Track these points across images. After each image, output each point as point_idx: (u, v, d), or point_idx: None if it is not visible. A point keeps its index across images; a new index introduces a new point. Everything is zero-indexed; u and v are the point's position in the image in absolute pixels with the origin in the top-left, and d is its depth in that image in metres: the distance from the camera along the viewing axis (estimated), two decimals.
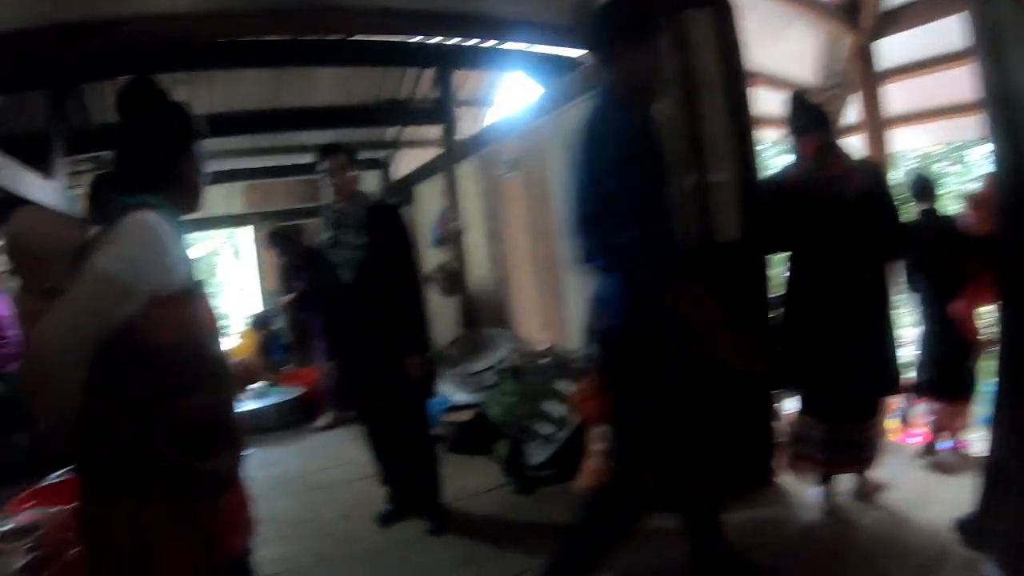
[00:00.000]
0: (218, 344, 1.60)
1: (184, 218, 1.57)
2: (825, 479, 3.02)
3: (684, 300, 2.04)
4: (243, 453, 1.59)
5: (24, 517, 2.91)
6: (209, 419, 1.48)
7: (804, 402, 3.06)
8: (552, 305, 4.76)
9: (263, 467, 4.50)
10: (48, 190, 4.67)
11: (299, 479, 4.42)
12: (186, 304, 1.45)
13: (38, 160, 4.84)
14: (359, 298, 3.19)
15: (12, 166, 4.18)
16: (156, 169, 1.52)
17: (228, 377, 1.61)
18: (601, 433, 3.15)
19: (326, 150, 3.43)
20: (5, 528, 2.77)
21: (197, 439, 1.44)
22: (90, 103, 5.85)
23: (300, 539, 3.36)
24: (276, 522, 3.46)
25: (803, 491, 3.11)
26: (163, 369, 1.40)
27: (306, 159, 8.05)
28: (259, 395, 6.05)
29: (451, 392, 5.14)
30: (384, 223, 3.34)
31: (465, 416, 4.55)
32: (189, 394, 1.43)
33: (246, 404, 5.72)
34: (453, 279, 6.09)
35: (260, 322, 7.54)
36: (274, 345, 7.15)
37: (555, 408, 3.75)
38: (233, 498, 1.56)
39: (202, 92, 5.59)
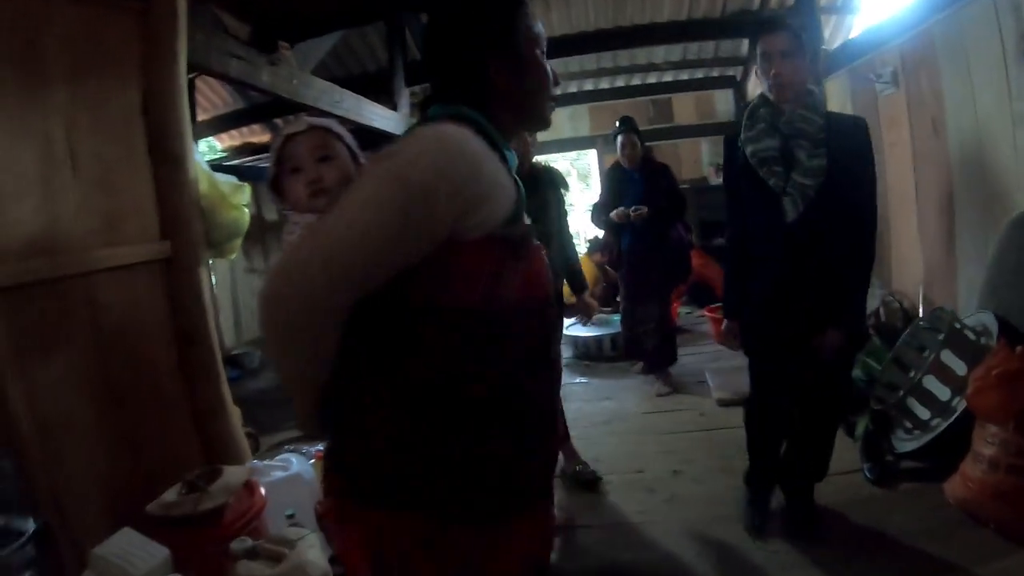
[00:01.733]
0: (545, 313, 1.18)
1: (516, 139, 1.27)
2: None
3: None
4: (552, 462, 1.27)
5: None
6: (520, 414, 1.12)
7: None
8: (939, 255, 3.90)
9: (595, 399, 4.48)
10: (392, 120, 5.15)
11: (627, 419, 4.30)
12: (499, 255, 1.07)
13: (381, 92, 5.38)
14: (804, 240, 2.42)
15: (356, 99, 4.67)
16: (458, 74, 1.19)
17: (553, 360, 1.22)
18: (996, 436, 2.52)
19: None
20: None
21: (500, 439, 1.10)
22: None
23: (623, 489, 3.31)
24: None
25: None
26: (458, 343, 1.06)
27: (652, 79, 7.89)
28: (600, 323, 5.62)
29: None
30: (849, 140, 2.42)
31: None
32: (490, 380, 1.08)
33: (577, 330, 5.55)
34: None
35: (600, 247, 7.46)
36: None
37: (937, 387, 3.09)
38: (529, 520, 1.20)
39: (539, 14, 5.66)
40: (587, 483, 3.33)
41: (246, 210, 2.75)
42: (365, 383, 1.09)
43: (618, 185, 4.78)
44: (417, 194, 0.99)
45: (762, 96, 2.52)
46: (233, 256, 2.88)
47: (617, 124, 4.78)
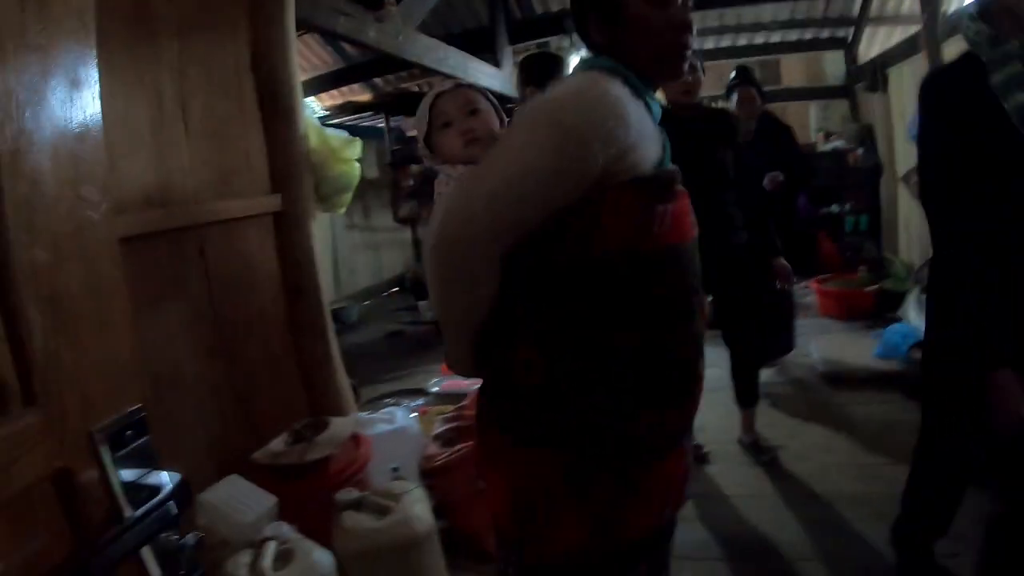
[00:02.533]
0: (687, 263, 1.17)
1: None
2: None
3: None
4: (694, 410, 1.23)
5: (451, 384, 3.21)
6: (661, 363, 1.12)
7: None
8: None
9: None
10: (497, 78, 5.07)
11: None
12: (651, 198, 1.08)
13: (485, 51, 5.29)
14: None
15: (462, 57, 4.60)
16: (591, 21, 1.21)
17: (695, 309, 1.19)
18: None
19: None
20: (431, 392, 3.08)
21: (641, 388, 1.11)
22: None
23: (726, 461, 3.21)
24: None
25: None
26: (606, 289, 1.08)
27: (760, 38, 7.46)
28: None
29: (920, 322, 4.31)
30: None
31: None
32: (639, 328, 1.10)
33: None
34: None
35: None
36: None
37: None
38: (669, 466, 1.20)
39: None
40: (696, 457, 3.24)
41: (356, 164, 2.74)
42: (521, 329, 1.13)
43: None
44: (572, 136, 1.02)
45: None
46: (342, 210, 2.90)
47: (732, 75, 4.20)
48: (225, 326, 2.19)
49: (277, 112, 2.43)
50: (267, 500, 1.78)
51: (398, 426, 2.49)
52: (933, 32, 4.80)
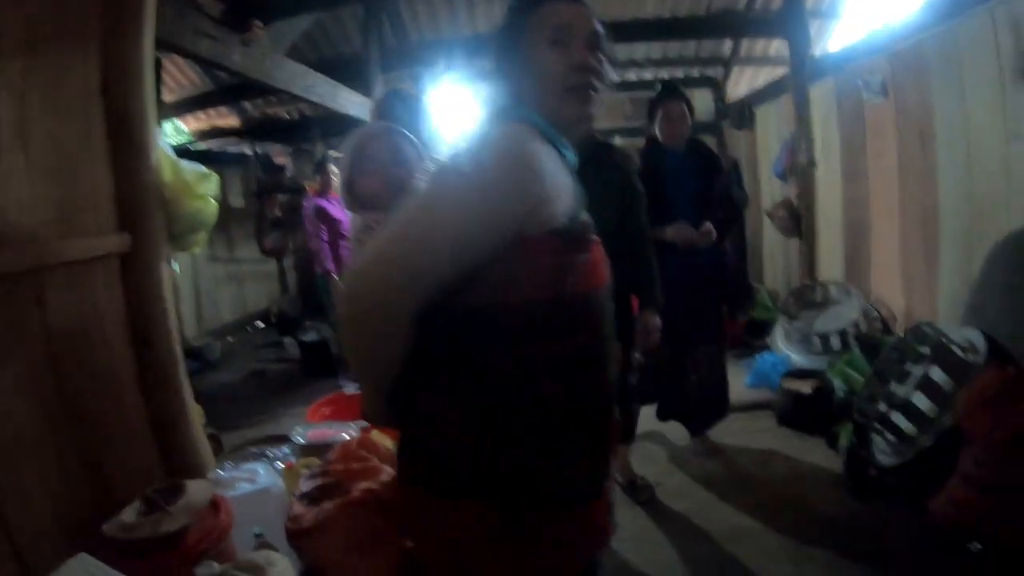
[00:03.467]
0: (602, 310, 1.18)
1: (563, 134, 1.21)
2: None
3: None
4: (612, 454, 1.27)
5: (317, 434, 3.03)
6: (579, 410, 1.14)
7: None
8: (921, 267, 3.88)
9: None
10: (366, 107, 4.99)
11: None
12: (563, 250, 1.09)
13: (355, 78, 5.22)
14: None
15: (331, 85, 4.49)
16: (503, 63, 1.22)
17: (609, 355, 1.20)
18: (985, 457, 2.47)
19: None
20: (297, 442, 2.90)
21: (561, 435, 1.12)
22: (405, 19, 6.08)
23: None
24: None
25: None
26: (522, 339, 1.08)
27: (632, 75, 7.81)
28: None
29: (788, 351, 4.59)
30: None
31: (805, 387, 3.96)
32: (557, 376, 1.10)
33: None
34: (796, 218, 5.36)
35: None
36: None
37: (922, 402, 3.04)
38: (594, 509, 1.20)
39: None
40: None
41: (212, 200, 2.58)
42: (438, 381, 1.13)
43: (656, 176, 3.27)
44: (489, 195, 1.03)
45: None
46: (197, 250, 2.71)
47: (659, 88, 3.51)
48: (68, 383, 1.95)
49: (128, 142, 2.24)
50: None
51: (261, 486, 2.32)
52: (799, 75, 5.16)
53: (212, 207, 2.58)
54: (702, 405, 3.58)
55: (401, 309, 1.04)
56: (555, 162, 1.13)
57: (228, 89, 6.47)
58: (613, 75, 1.23)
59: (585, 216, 1.18)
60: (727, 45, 7.10)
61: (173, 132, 6.93)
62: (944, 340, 3.10)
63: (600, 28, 1.20)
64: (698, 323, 3.42)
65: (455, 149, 1.13)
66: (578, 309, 1.12)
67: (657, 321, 2.88)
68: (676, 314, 3.06)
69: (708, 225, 3.25)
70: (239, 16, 3.73)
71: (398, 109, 2.61)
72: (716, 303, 3.59)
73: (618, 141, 3.25)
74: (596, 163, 2.83)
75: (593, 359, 1.15)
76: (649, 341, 2.90)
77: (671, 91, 3.43)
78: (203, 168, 2.57)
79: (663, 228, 3.18)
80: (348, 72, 5.32)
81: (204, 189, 2.53)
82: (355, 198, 1.32)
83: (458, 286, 1.05)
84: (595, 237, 1.18)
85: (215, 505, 2.00)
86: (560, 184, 1.12)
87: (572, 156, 1.22)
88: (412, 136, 1.36)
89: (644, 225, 2.91)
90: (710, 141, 7.95)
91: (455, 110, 5.37)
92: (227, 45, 3.25)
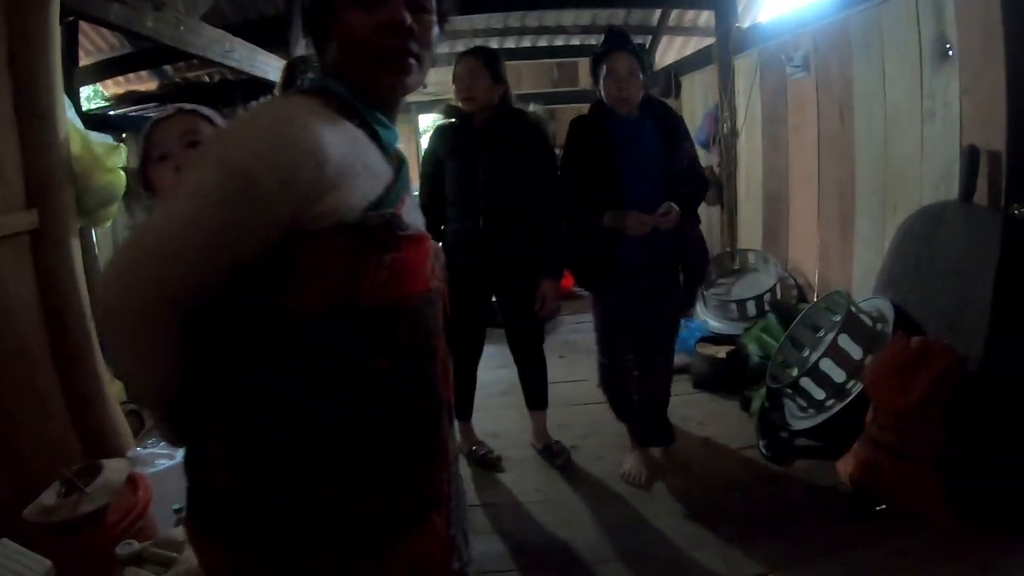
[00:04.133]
0: (416, 322, 1.00)
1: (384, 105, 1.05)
2: None
3: None
4: (438, 477, 1.08)
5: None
6: (386, 435, 0.98)
7: None
8: (836, 238, 4.05)
9: (492, 367, 3.84)
10: None
11: None
12: (361, 247, 0.91)
13: (277, 40, 5.04)
14: None
15: (249, 49, 4.33)
16: (310, 26, 1.05)
17: (434, 372, 1.05)
18: (890, 423, 2.63)
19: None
20: None
21: (362, 463, 0.96)
22: None
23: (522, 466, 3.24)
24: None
25: None
26: (307, 354, 0.92)
27: (560, 41, 7.77)
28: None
29: (706, 317, 4.74)
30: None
31: (721, 352, 4.11)
32: (358, 399, 0.95)
33: None
34: (718, 187, 5.50)
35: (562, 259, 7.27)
36: None
37: (832, 369, 3.21)
38: (417, 541, 1.04)
39: None
40: (486, 463, 3.25)
41: (122, 173, 2.50)
42: (218, 406, 0.96)
43: (602, 148, 2.81)
44: (244, 181, 0.85)
45: None
46: (108, 223, 2.63)
47: (604, 39, 2.97)
48: None
49: (35, 114, 2.12)
50: (41, 565, 1.58)
51: (177, 460, 2.26)
52: (725, 46, 5.23)
53: (122, 179, 2.50)
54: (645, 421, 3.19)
55: (160, 317, 0.88)
56: (352, 143, 0.95)
57: (147, 53, 6.09)
58: (440, 36, 1.08)
59: (404, 204, 1.00)
60: (656, 14, 7.11)
61: (92, 96, 6.51)
62: (855, 309, 3.26)
63: None
64: (655, 322, 3.04)
65: (218, 129, 0.97)
66: (376, 321, 0.94)
67: (555, 291, 2.98)
68: (633, 309, 2.96)
69: (669, 205, 2.72)
70: None
71: (298, 74, 2.52)
72: (675, 301, 3.09)
73: (532, 107, 2.96)
74: (506, 131, 2.91)
75: (408, 377, 1.00)
76: (546, 311, 2.99)
77: (617, 41, 2.85)
78: (111, 140, 2.49)
79: (614, 213, 2.75)
80: (271, 35, 5.09)
81: (114, 161, 2.44)
82: (149, 188, 1.23)
83: (234, 288, 0.90)
84: (413, 231, 0.99)
85: (133, 483, 1.97)
86: (356, 169, 0.93)
87: (390, 133, 1.04)
88: (213, 115, 1.26)
89: (554, 193, 2.93)
90: None
91: None
92: (139, 10, 3.10)
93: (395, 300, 0.95)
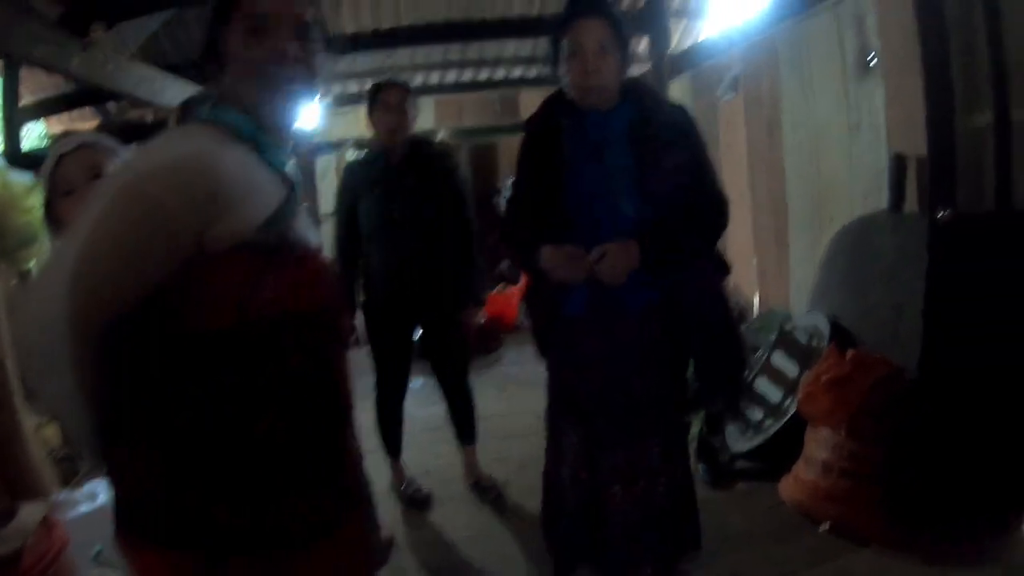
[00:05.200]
0: (321, 329, 1.08)
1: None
2: None
3: None
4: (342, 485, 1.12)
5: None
6: (287, 444, 1.03)
7: None
8: (772, 255, 4.02)
9: (425, 403, 3.73)
10: None
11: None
12: (255, 259, 0.98)
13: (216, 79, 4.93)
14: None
15: (181, 86, 4.30)
16: (206, 56, 1.10)
17: (333, 381, 1.11)
18: (827, 440, 2.53)
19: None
20: None
21: (261, 473, 1.01)
22: None
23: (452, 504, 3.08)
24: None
25: None
26: (211, 370, 0.98)
27: (501, 73, 7.77)
28: None
29: None
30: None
31: None
32: (259, 409, 1.00)
33: None
34: None
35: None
36: None
37: (768, 389, 3.12)
38: (325, 552, 1.08)
39: (388, 3, 5.38)
40: (415, 501, 3.07)
41: (40, 213, 2.34)
42: (132, 420, 1.01)
43: (554, 153, 1.96)
44: (148, 206, 0.93)
45: None
46: (29, 265, 2.50)
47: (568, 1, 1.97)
48: None
49: None
50: None
51: (100, 503, 2.22)
52: (659, 71, 5.25)
53: (40, 219, 2.36)
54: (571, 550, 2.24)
55: (77, 337, 0.92)
56: (244, 165, 1.02)
57: (89, 91, 5.94)
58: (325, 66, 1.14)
59: (297, 223, 1.08)
60: None
61: (38, 136, 6.31)
62: (788, 327, 3.19)
63: (309, 17, 1.09)
64: (612, 405, 1.97)
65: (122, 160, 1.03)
66: (273, 335, 1.00)
67: (475, 316, 3.02)
68: (582, 379, 2.04)
69: (607, 247, 1.74)
70: (79, 19, 3.44)
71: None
72: (660, 385, 2.05)
73: (440, 136, 2.80)
74: (419, 162, 2.86)
75: (306, 387, 1.05)
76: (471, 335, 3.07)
77: (586, 2, 1.91)
78: (30, 179, 2.36)
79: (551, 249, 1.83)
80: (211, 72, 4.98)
81: (32, 201, 2.32)
82: (56, 224, 1.27)
83: (146, 310, 0.95)
84: (308, 249, 1.07)
85: (48, 526, 1.87)
86: (252, 191, 1.01)
87: (282, 159, 1.10)
88: (116, 147, 1.28)
89: (466, 225, 2.92)
90: None
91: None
92: (65, 49, 3.07)
93: (291, 313, 1.01)
